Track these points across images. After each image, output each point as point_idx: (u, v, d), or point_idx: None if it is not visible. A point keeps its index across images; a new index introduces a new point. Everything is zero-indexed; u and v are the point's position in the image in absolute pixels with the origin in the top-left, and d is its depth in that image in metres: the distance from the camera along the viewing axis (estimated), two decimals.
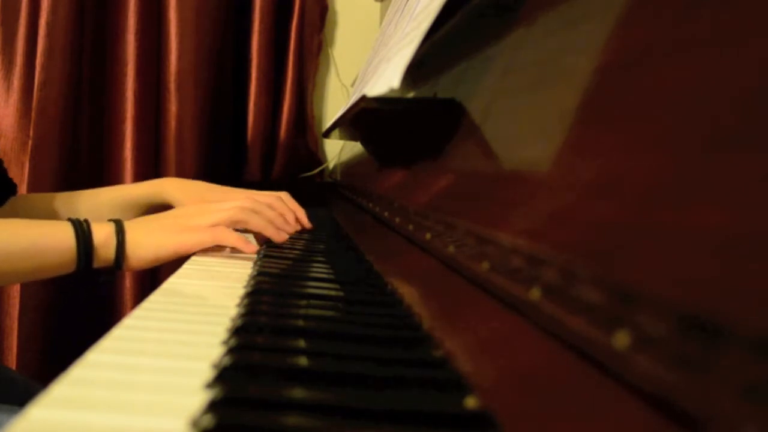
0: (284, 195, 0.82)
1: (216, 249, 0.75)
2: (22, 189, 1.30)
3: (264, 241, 0.79)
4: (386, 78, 0.54)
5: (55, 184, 1.28)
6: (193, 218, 0.70)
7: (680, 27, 0.27)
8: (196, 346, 0.36)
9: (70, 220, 0.64)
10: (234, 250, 0.72)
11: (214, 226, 0.69)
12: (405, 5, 0.75)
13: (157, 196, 0.88)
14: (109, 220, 0.67)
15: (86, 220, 0.64)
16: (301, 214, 0.83)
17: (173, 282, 0.55)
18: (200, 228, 0.68)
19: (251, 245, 0.69)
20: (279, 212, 0.77)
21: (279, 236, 0.73)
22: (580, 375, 0.23)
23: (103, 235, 0.64)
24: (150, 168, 1.37)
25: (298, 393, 0.28)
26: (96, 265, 0.64)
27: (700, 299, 0.19)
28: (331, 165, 1.55)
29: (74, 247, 0.62)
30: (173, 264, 0.67)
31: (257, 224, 0.72)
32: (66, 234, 0.63)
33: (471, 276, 0.37)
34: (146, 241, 0.66)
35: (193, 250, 0.69)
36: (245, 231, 0.77)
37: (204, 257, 0.70)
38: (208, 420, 0.25)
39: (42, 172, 1.28)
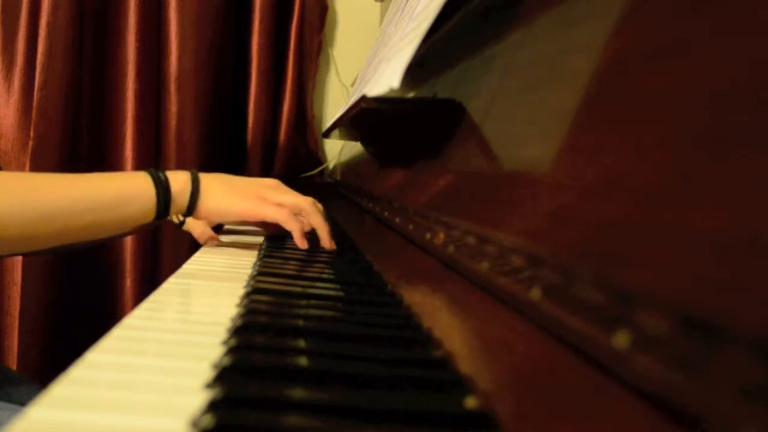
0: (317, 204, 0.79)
1: (229, 247, 0.76)
2: None
3: (265, 239, 0.79)
4: (386, 78, 0.54)
5: None
6: (266, 190, 0.71)
7: (681, 26, 0.27)
8: (196, 346, 0.36)
9: (146, 170, 0.66)
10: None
11: (281, 205, 0.71)
12: (405, 5, 0.75)
13: None
14: (183, 170, 0.69)
15: (162, 170, 0.67)
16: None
17: (173, 282, 0.55)
18: (272, 203, 0.70)
19: (305, 241, 0.71)
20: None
21: (330, 244, 0.74)
22: (580, 375, 0.23)
23: (180, 184, 0.67)
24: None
25: (298, 393, 0.28)
26: (172, 213, 0.67)
27: (700, 299, 0.19)
28: (331, 165, 1.54)
29: (154, 197, 0.64)
30: (173, 264, 0.68)
31: (317, 221, 0.73)
32: (146, 184, 0.65)
33: (471, 276, 0.37)
34: (218, 196, 0.68)
35: (257, 219, 0.72)
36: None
37: (204, 256, 0.70)
38: (208, 420, 0.25)
39: (42, 172, 1.28)
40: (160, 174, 0.66)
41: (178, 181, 0.67)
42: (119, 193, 0.63)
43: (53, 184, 0.61)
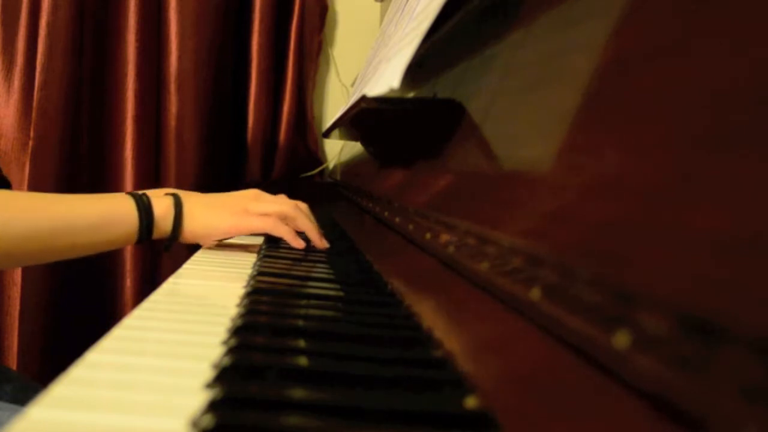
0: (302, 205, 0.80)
1: (235, 248, 0.76)
2: (23, 189, 1.29)
3: (265, 240, 0.80)
4: (386, 78, 0.54)
5: (56, 184, 1.28)
6: (249, 203, 0.72)
7: (681, 26, 0.27)
8: (196, 346, 0.36)
9: (129, 193, 0.67)
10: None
11: (266, 215, 0.71)
12: (405, 5, 0.75)
13: None
14: (166, 194, 0.69)
15: (144, 194, 0.67)
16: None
17: (173, 282, 0.55)
18: (256, 214, 0.71)
19: (300, 241, 0.71)
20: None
21: (321, 243, 0.74)
22: (580, 375, 0.23)
23: (163, 208, 0.67)
24: (150, 168, 1.37)
25: (298, 393, 0.28)
26: (155, 236, 0.67)
27: (700, 299, 0.19)
28: (331, 165, 1.54)
29: (137, 220, 0.65)
30: (174, 264, 0.68)
31: (304, 224, 0.73)
32: (129, 207, 0.65)
33: (471, 276, 0.37)
34: (202, 216, 0.69)
35: (245, 233, 0.72)
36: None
37: (205, 257, 0.70)
38: (208, 420, 0.25)
39: (42, 172, 1.28)
40: (144, 197, 0.66)
41: (161, 204, 0.67)
42: (101, 216, 0.63)
43: (35, 205, 0.62)
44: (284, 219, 0.72)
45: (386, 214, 0.65)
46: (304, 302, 0.47)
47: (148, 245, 1.34)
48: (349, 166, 1.31)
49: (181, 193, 0.71)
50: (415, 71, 0.66)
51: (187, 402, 0.28)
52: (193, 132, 1.37)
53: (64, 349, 1.30)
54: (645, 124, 0.27)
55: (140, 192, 0.67)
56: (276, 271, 0.60)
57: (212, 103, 1.38)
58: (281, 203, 0.73)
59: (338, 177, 1.48)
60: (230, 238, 0.76)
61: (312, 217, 0.75)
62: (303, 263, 0.66)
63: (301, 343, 0.36)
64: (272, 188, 0.84)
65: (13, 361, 1.32)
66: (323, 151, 1.55)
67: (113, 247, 0.66)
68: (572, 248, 0.27)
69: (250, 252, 0.75)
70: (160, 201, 0.67)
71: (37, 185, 1.28)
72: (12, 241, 0.59)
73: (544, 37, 0.43)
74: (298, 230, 0.73)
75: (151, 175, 1.36)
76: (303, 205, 0.75)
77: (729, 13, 0.24)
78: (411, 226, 0.53)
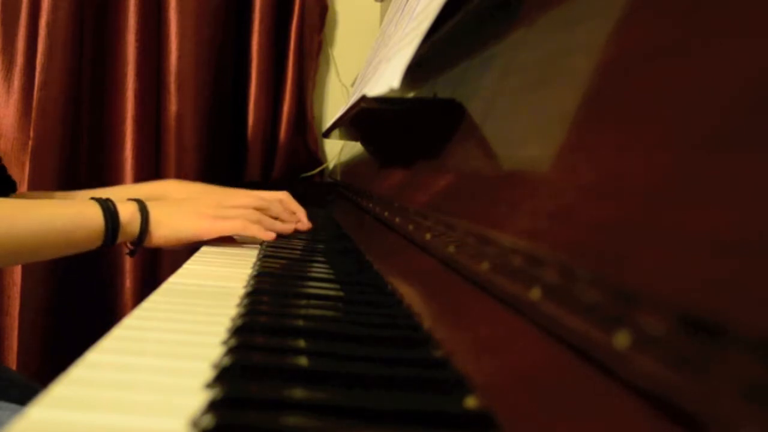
0: (284, 195, 0.84)
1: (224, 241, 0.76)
2: (23, 189, 1.30)
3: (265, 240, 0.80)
4: (386, 78, 0.54)
5: (56, 184, 1.29)
6: (213, 209, 0.74)
7: (681, 26, 0.27)
8: (196, 346, 0.36)
9: (94, 199, 0.69)
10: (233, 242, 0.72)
11: (234, 218, 0.74)
12: (405, 5, 0.75)
13: (159, 196, 0.91)
14: (129, 200, 0.71)
15: (110, 199, 0.69)
16: (302, 214, 0.85)
17: (173, 282, 0.55)
18: (223, 218, 0.73)
19: (272, 234, 0.75)
20: (283, 218, 0.83)
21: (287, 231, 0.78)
22: (580, 375, 0.23)
23: (128, 213, 0.69)
24: (150, 168, 1.37)
25: (298, 393, 0.28)
26: (120, 240, 0.70)
27: (700, 299, 0.19)
28: (331, 165, 1.55)
29: (102, 226, 0.67)
30: (174, 264, 0.68)
31: (267, 236, 0.76)
32: (95, 213, 0.67)
33: (471, 276, 0.37)
34: (168, 221, 0.71)
35: (215, 236, 0.74)
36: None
37: (204, 257, 0.70)
38: (208, 420, 0.25)
39: (42, 172, 1.28)
40: (109, 202, 0.68)
41: (127, 209, 0.69)
42: (69, 221, 0.65)
43: (13, 212, 0.63)
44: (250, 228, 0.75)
45: (386, 214, 0.65)
46: (304, 302, 0.47)
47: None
48: (349, 166, 1.31)
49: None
50: (415, 71, 0.66)
51: (187, 402, 0.28)
52: (193, 132, 1.37)
53: (64, 349, 1.30)
54: (645, 124, 0.27)
55: (105, 197, 0.69)
56: (276, 271, 0.60)
57: (212, 103, 1.38)
58: (247, 214, 0.75)
59: (338, 177, 1.48)
60: (198, 241, 0.77)
61: (285, 213, 0.79)
62: (303, 263, 0.66)
63: (301, 343, 0.36)
64: (272, 188, 0.85)
65: (13, 361, 1.32)
66: (323, 151, 1.55)
67: (77, 251, 0.68)
68: (572, 248, 0.27)
69: (250, 252, 0.75)
70: (126, 206, 0.70)
71: (36, 185, 1.28)
72: None
73: (544, 37, 0.43)
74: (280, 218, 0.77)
75: (150, 176, 1.36)
76: (255, 213, 0.77)
77: (729, 12, 0.24)
78: (411, 226, 0.53)
